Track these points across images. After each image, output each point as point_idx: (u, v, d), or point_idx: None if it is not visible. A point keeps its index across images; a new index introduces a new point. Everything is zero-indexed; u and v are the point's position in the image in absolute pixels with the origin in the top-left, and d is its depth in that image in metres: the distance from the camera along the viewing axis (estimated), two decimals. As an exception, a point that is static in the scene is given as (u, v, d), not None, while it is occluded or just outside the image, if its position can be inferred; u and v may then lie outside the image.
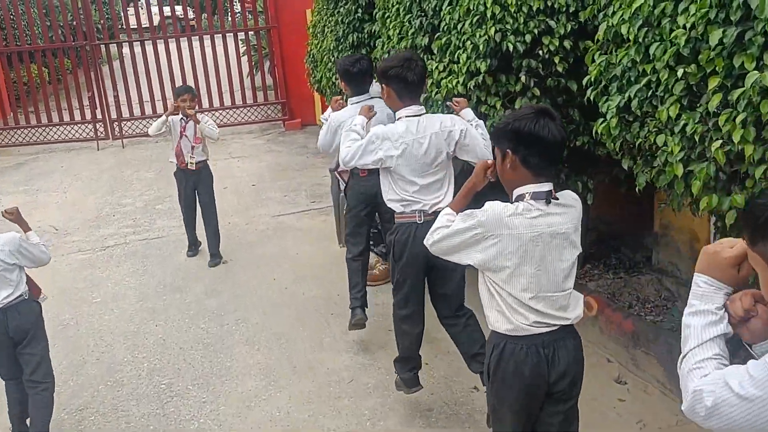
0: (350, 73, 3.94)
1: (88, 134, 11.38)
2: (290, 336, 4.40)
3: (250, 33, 12.13)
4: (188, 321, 4.75)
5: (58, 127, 11.38)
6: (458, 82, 3.24)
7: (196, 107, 5.77)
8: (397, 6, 4.15)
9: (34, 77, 11.57)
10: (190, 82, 11.43)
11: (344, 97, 4.47)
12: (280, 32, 11.25)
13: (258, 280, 5.38)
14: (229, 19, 11.94)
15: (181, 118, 5.70)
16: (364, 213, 4.17)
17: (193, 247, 6.16)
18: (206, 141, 5.83)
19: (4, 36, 11.43)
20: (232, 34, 11.42)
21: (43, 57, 11.46)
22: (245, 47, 12.31)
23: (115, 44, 11.57)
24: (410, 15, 3.95)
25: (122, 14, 12.98)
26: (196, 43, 11.17)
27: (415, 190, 3.16)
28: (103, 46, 11.86)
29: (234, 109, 11.59)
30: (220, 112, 11.50)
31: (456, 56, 3.27)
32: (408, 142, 3.09)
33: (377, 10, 4.63)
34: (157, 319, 4.83)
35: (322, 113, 11.35)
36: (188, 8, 14.75)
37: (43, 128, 11.41)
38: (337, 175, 5.90)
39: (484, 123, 3.21)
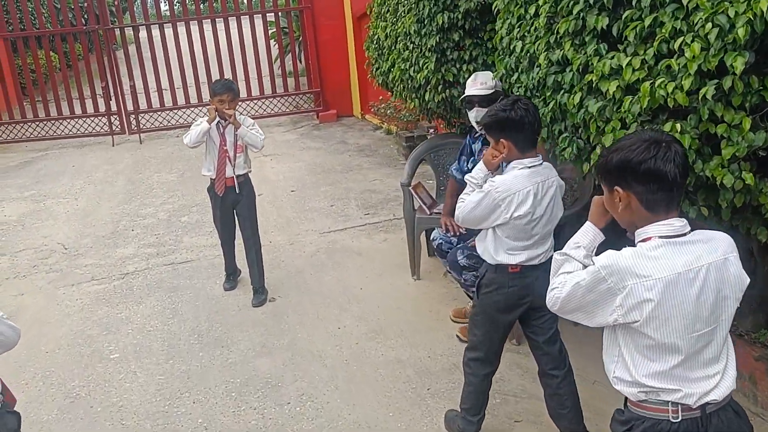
0: (519, 124, 2.69)
1: (102, 128, 10.26)
2: (377, 428, 3.23)
3: (280, 14, 10.90)
4: (235, 396, 3.60)
5: (68, 120, 10.28)
6: (679, 87, 2.05)
7: (237, 108, 4.58)
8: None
9: (41, 65, 10.41)
10: (214, 69, 10.29)
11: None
12: (313, 13, 10.04)
13: (319, 331, 4.22)
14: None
15: (218, 122, 4.52)
16: (510, 319, 2.94)
17: (232, 277, 5.02)
18: (248, 149, 4.66)
19: (8, 20, 10.28)
20: (259, 15, 10.17)
21: (52, 42, 10.28)
22: (274, 30, 11.09)
23: (130, 27, 10.34)
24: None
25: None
26: (219, 26, 9.98)
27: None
28: (117, 30, 10.67)
29: (263, 100, 10.40)
30: (248, 102, 10.32)
31: (676, 46, 2.07)
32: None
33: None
34: (194, 390, 3.68)
35: (361, 108, 10.21)
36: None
37: (53, 122, 10.30)
38: (413, 192, 4.74)
39: (720, 145, 2.06)
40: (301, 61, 10.91)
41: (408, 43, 4.44)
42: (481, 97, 3.63)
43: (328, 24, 10.05)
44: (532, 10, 2.96)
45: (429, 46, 4.19)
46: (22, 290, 5.29)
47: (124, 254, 5.86)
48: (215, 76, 10.29)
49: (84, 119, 10.26)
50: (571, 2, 2.60)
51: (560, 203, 2.87)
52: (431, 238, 4.31)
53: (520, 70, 3.16)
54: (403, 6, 4.49)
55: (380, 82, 5.17)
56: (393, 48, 4.77)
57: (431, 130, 7.67)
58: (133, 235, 6.29)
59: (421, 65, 4.29)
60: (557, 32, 2.73)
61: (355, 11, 9.73)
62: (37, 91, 10.52)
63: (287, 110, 10.48)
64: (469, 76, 4.07)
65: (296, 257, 5.47)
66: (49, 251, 6.09)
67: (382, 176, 7.39)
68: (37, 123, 10.31)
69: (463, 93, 3.86)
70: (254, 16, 10.15)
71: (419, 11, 4.23)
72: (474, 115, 3.68)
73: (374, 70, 5.27)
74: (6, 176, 8.91)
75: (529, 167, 2.72)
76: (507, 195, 2.68)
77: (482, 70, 3.87)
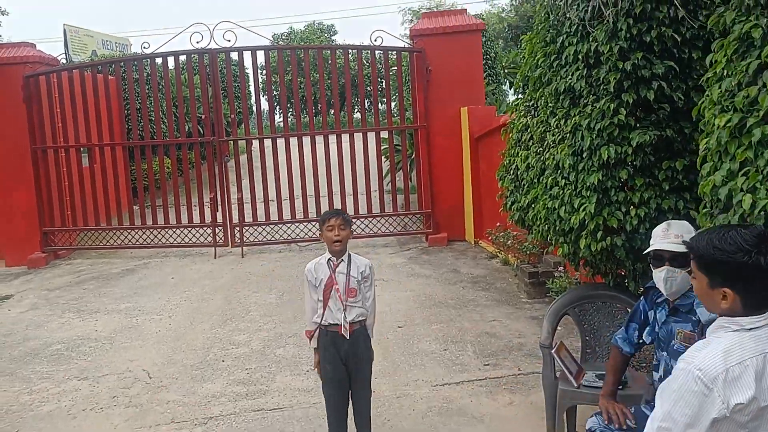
0: (763, 273, 1.87)
1: (206, 239, 10.05)
2: None
3: (393, 132, 10.60)
4: None
5: (174, 229, 10.14)
6: None
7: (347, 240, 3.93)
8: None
9: (154, 174, 10.49)
10: (323, 183, 9.99)
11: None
12: (428, 132, 9.62)
13: None
14: (371, 115, 10.50)
15: (329, 259, 3.88)
16: None
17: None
18: (364, 287, 3.96)
19: (128, 128, 10.53)
20: (373, 132, 9.89)
21: (166, 154, 10.38)
22: (386, 146, 10.77)
23: (244, 140, 10.31)
24: None
25: (254, 109, 11.93)
26: (331, 138, 9.76)
27: None
28: (230, 142, 10.69)
29: (369, 219, 9.91)
30: (353, 220, 9.86)
31: None
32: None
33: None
34: None
35: (474, 233, 9.49)
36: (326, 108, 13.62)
37: (159, 230, 10.21)
38: (555, 356, 3.85)
39: None
40: (411, 180, 10.45)
41: (559, 178, 3.70)
42: (674, 253, 2.80)
43: (443, 143, 9.60)
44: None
45: (588, 183, 3.45)
46: (96, 429, 4.70)
47: (210, 391, 5.20)
48: (323, 190, 9.98)
49: (189, 229, 10.11)
50: None
51: None
52: (587, 427, 3.36)
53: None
54: (554, 135, 3.80)
55: (516, 218, 4.42)
56: (537, 181, 4.04)
57: (560, 267, 6.78)
58: (222, 368, 5.65)
59: (576, 206, 3.53)
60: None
61: (473, 131, 9.25)
62: (147, 199, 10.54)
63: (395, 230, 9.92)
64: (639, 223, 3.26)
65: (404, 417, 4.60)
66: (132, 379, 5.54)
67: (502, 316, 6.50)
68: (144, 230, 10.26)
69: (630, 242, 3.04)
70: (368, 133, 9.85)
71: (576, 142, 3.52)
72: (663, 275, 2.83)
73: (509, 203, 4.55)
74: (107, 284, 8.71)
75: (749, 329, 1.89)
76: (718, 373, 1.80)
77: (673, 219, 3.06)
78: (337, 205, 10.00)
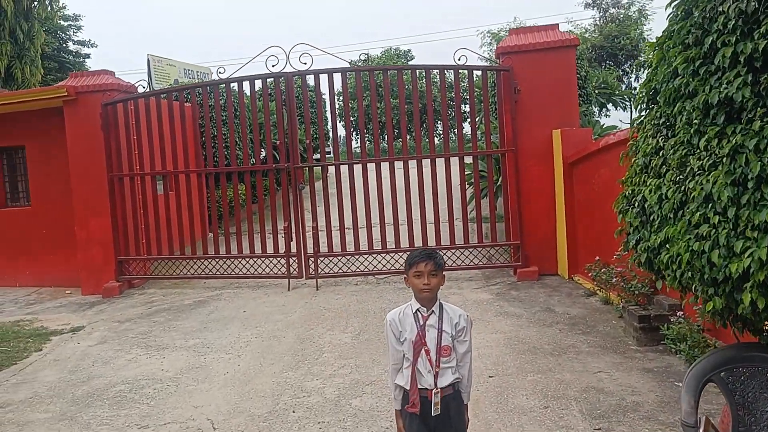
0: None
1: (279, 270, 9.60)
2: None
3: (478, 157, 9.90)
4: None
5: (248, 259, 9.75)
6: None
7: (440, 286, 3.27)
8: None
9: (228, 202, 10.17)
10: (402, 211, 9.39)
11: None
12: (516, 156, 8.87)
13: None
14: (453, 139, 9.85)
15: (417, 310, 3.23)
16: None
17: None
18: (458, 343, 3.28)
19: (204, 155, 10.30)
20: (456, 157, 9.21)
21: (241, 180, 10.05)
22: (469, 172, 10.08)
23: (319, 166, 9.84)
24: None
25: (331, 134, 11.52)
26: (411, 163, 9.16)
27: None
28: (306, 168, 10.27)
29: (452, 250, 9.21)
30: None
31: None
32: None
33: None
34: None
35: (568, 267, 8.66)
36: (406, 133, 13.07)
37: (232, 259, 9.85)
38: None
39: None
40: (497, 209, 9.69)
41: (710, 214, 2.92)
42: None
43: (533, 169, 8.83)
44: None
45: (756, 222, 2.66)
46: (151, 493, 4.18)
47: (278, 449, 4.61)
48: (402, 218, 9.38)
49: (263, 259, 9.70)
50: None
51: None
52: None
53: None
54: (701, 159, 3.02)
55: (642, 260, 3.63)
56: (674, 217, 3.26)
57: (678, 312, 5.87)
58: (293, 420, 5.05)
59: (737, 249, 2.74)
60: None
61: (567, 156, 8.44)
62: (221, 227, 10.23)
63: (480, 263, 9.17)
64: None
65: (503, 496, 3.86)
66: (195, 429, 5.02)
67: (609, 367, 5.64)
68: (217, 260, 9.92)
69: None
70: (451, 158, 9.19)
71: (737, 168, 2.74)
72: None
73: (632, 242, 3.75)
74: (177, 317, 8.36)
75: None
76: None
77: None
78: (417, 234, 9.37)
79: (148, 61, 18.65)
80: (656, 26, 32.44)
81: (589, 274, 7.49)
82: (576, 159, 8.24)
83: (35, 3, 19.13)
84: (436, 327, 3.19)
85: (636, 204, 3.71)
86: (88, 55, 30.29)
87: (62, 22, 28.76)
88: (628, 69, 30.87)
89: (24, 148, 11.35)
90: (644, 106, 3.79)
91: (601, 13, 32.43)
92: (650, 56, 3.75)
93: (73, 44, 29.98)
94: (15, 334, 8.17)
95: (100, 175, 10.04)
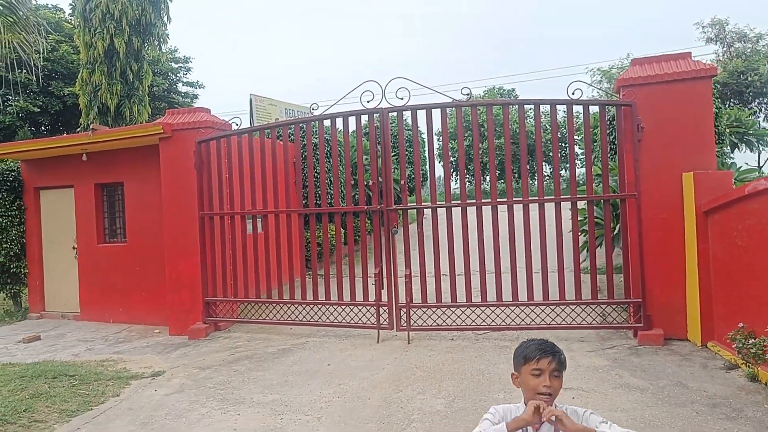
0: None
1: (369, 319, 8.90)
2: None
3: (593, 202, 8.85)
4: None
5: (336, 306, 9.13)
6: None
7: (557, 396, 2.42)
8: None
9: (318, 245, 9.63)
10: (504, 260, 8.49)
11: None
12: (639, 202, 7.78)
13: None
14: (564, 180, 8.87)
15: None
16: None
17: None
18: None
19: (304, 194, 9.87)
20: (568, 202, 8.23)
21: (331, 221, 9.51)
22: (582, 218, 9.04)
23: (415, 209, 9.12)
24: None
25: (428, 174, 10.81)
26: (516, 207, 8.26)
27: None
28: (400, 211, 9.59)
29: (561, 306, 8.17)
30: (542, 307, 8.19)
31: None
32: None
33: None
34: None
35: (702, 332, 7.36)
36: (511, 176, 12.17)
37: (320, 306, 9.25)
38: None
39: None
40: (613, 261, 8.57)
41: None
42: None
43: (658, 217, 7.70)
44: None
45: None
46: None
47: None
48: (505, 267, 8.47)
49: (351, 307, 9.04)
50: None
51: None
52: None
53: None
54: None
55: None
56: None
57: None
58: None
59: None
60: None
61: (700, 203, 7.28)
62: (309, 273, 9.68)
63: (593, 322, 8.07)
64: None
65: None
66: None
67: (769, 471, 4.48)
68: (304, 305, 9.35)
69: None
70: (562, 202, 8.22)
71: None
72: None
73: None
74: (259, 366, 7.80)
75: None
76: None
77: None
78: (522, 286, 8.41)
79: (251, 100, 18.85)
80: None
81: (732, 345, 6.27)
82: (713, 207, 7.07)
83: (146, 44, 19.89)
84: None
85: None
86: (196, 96, 31.50)
87: (173, 64, 30.09)
88: (756, 107, 28.49)
89: (123, 185, 11.40)
90: None
91: (725, 48, 30.30)
92: None
93: (182, 85, 31.27)
94: (97, 376, 7.88)
95: (191, 214, 9.80)
